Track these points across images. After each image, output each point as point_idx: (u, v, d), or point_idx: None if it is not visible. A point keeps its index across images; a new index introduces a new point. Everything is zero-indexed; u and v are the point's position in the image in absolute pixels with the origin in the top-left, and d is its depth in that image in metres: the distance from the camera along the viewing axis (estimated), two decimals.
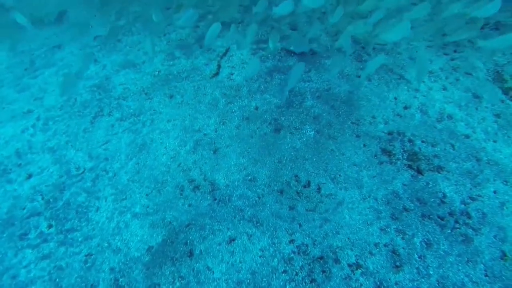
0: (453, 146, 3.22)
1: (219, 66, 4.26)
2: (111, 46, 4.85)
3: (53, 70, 4.55)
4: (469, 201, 2.81)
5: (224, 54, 4.47)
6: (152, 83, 4.14)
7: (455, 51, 4.23)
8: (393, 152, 3.19)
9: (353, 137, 3.31)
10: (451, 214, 2.73)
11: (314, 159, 3.13)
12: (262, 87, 3.87)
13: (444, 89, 3.77)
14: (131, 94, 4.03)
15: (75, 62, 4.68)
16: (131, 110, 3.82)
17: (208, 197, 2.95)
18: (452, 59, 4.12)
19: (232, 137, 3.39)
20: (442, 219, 2.71)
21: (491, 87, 3.73)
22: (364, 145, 3.25)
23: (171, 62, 4.43)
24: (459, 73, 3.93)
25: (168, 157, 3.27)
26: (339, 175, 3.01)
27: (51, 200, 2.99)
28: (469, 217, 2.70)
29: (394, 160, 3.14)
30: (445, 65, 4.07)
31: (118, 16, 5.53)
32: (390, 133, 3.34)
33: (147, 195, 2.96)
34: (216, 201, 2.92)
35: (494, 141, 3.24)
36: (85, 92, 4.10)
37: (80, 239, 2.71)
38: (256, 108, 3.63)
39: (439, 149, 3.21)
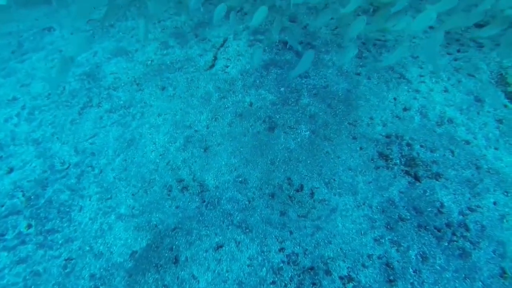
0: (452, 152, 2.97)
1: (215, 58, 3.91)
2: (103, 31, 4.45)
3: (41, 55, 4.17)
4: (467, 212, 2.58)
5: (222, 45, 4.10)
6: (144, 73, 3.79)
7: (458, 51, 3.90)
8: (391, 156, 2.93)
9: (349, 139, 3.04)
10: (448, 225, 2.50)
11: (308, 162, 2.86)
12: (258, 81, 3.54)
13: (446, 91, 3.47)
14: (122, 84, 3.69)
15: (65, 46, 4.29)
16: (121, 102, 3.50)
17: (197, 199, 2.70)
18: (455, 59, 3.80)
19: (224, 134, 3.10)
20: (439, 230, 2.48)
21: (494, 91, 3.43)
22: (361, 148, 2.98)
23: (165, 51, 4.06)
24: (461, 75, 3.62)
25: (157, 154, 2.99)
26: (334, 180, 2.76)
27: (32, 197, 2.72)
28: (467, 229, 2.48)
29: (391, 165, 2.88)
30: (447, 65, 3.75)
31: None
32: (388, 136, 3.07)
33: (133, 194, 2.70)
34: (204, 203, 2.67)
35: (495, 149, 2.98)
36: (74, 80, 3.75)
37: (60, 242, 2.46)
38: (251, 104, 3.33)
39: (438, 155, 2.95)
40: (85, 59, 4.02)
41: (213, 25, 4.45)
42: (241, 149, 2.98)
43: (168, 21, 4.59)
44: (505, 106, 3.31)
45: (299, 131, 3.07)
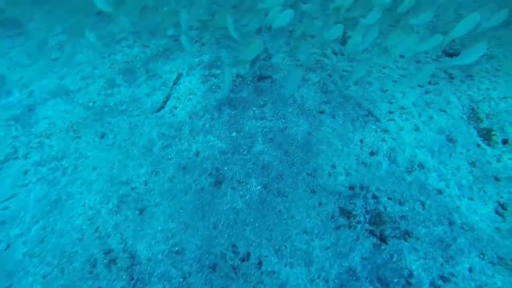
0: (423, 204, 2.73)
1: (164, 98, 3.68)
2: (43, 65, 4.21)
3: None
4: (439, 282, 2.31)
5: (175, 82, 3.88)
6: (83, 117, 3.53)
7: (429, 83, 3.75)
8: (354, 213, 2.67)
9: (307, 193, 2.78)
10: None
11: (257, 224, 2.58)
12: (208, 125, 3.30)
13: (416, 129, 3.27)
14: (57, 131, 3.42)
15: None
16: (53, 152, 3.21)
17: (124, 276, 2.38)
18: (426, 92, 3.64)
19: (163, 192, 2.82)
20: None
21: (466, 128, 3.25)
22: (320, 204, 2.72)
23: (110, 91, 3.82)
24: (433, 110, 3.45)
25: (85, 219, 2.68)
26: (285, 247, 2.48)
27: None
28: None
29: (354, 224, 2.62)
30: (418, 99, 3.58)
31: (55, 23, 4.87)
32: (351, 188, 2.83)
33: (44, 277, 2.37)
34: (133, 281, 2.35)
35: (470, 199, 2.75)
36: None
37: None
38: (197, 154, 3.07)
39: (407, 208, 2.71)
40: (18, 100, 3.76)
41: (167, 57, 4.26)
42: (181, 210, 2.69)
43: (118, 55, 4.38)
44: (478, 145, 3.12)
45: (248, 186, 2.81)
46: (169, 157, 3.08)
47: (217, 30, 4.64)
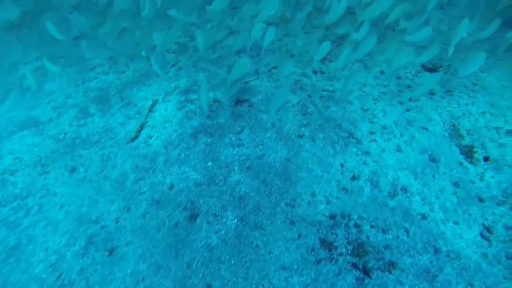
0: (407, 231, 2.65)
1: (138, 127, 3.59)
2: (13, 94, 4.09)
3: None
4: None
5: (150, 110, 3.81)
6: (53, 150, 3.42)
7: (410, 99, 3.73)
8: (335, 244, 2.58)
9: (286, 224, 2.69)
10: None
11: (233, 262, 2.47)
12: (183, 155, 3.22)
13: (399, 150, 3.23)
14: (23, 166, 3.29)
15: None
16: (17, 190, 3.08)
17: None
18: (407, 110, 3.62)
19: (135, 230, 2.70)
20: None
21: (448, 146, 3.22)
22: (299, 236, 2.63)
23: (82, 121, 3.73)
24: (414, 128, 3.42)
25: (46, 265, 2.54)
26: (262, 286, 2.36)
27: None
28: None
29: (335, 256, 2.52)
30: (399, 117, 3.56)
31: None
32: (332, 217, 2.75)
33: None
34: None
35: (455, 223, 2.69)
36: None
37: None
38: (171, 187, 2.97)
39: (391, 236, 2.63)
40: None
41: (143, 83, 4.20)
42: (153, 249, 2.57)
43: (93, 82, 4.31)
44: (461, 164, 3.08)
45: (224, 220, 2.71)
46: (142, 191, 2.97)
47: (195, 53, 4.61)
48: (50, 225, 2.78)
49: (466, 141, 3.26)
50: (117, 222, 2.76)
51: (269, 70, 4.19)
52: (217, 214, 2.75)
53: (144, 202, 2.87)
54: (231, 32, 4.90)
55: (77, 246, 2.63)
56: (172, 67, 4.40)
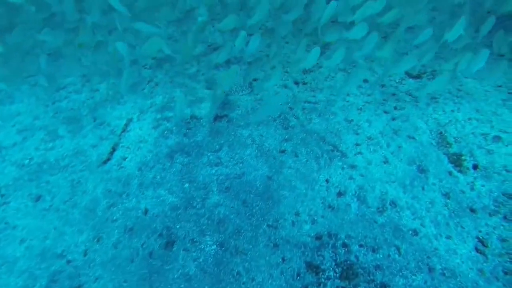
0: (398, 249, 2.53)
1: (113, 149, 3.42)
2: None
3: None
4: None
5: (124, 130, 3.64)
6: (15, 178, 3.21)
7: (395, 108, 3.67)
8: (322, 267, 2.44)
9: (268, 248, 2.53)
10: None
11: None
12: (158, 177, 3.05)
13: (386, 162, 3.14)
14: None
15: None
16: None
17: None
18: (393, 119, 3.55)
19: (106, 263, 2.50)
20: None
21: (436, 155, 3.14)
22: (283, 260, 2.47)
23: (51, 144, 3.53)
24: (401, 138, 3.34)
25: None
26: None
27: None
28: None
29: (323, 281, 2.37)
30: (385, 127, 3.48)
31: None
32: (318, 237, 2.61)
33: None
34: None
35: (447, 237, 2.58)
36: None
37: None
38: (146, 212, 2.79)
39: (381, 255, 2.50)
40: None
41: (117, 101, 4.05)
42: (125, 284, 2.38)
43: (64, 102, 4.13)
44: (450, 173, 3.00)
45: (203, 246, 2.54)
46: (115, 218, 2.78)
47: (172, 68, 4.50)
48: (6, 264, 2.55)
49: (454, 149, 3.19)
50: (85, 255, 2.56)
51: (250, 83, 4.09)
52: (195, 239, 2.58)
53: (116, 231, 2.68)
54: (209, 45, 4.81)
55: (37, 287, 2.41)
56: (148, 83, 4.27)
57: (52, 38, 4.99)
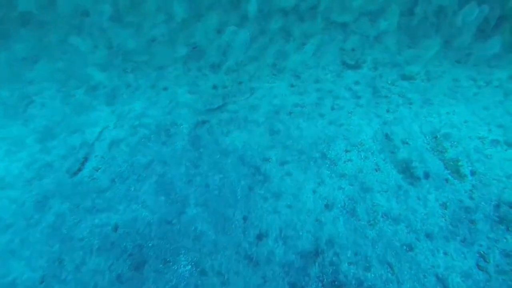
0: (392, 267, 2.31)
1: (85, 159, 3.19)
2: None
3: None
4: None
5: (98, 138, 3.41)
6: None
7: (387, 111, 3.47)
8: None
9: (249, 268, 2.30)
10: None
11: None
12: (132, 189, 2.82)
13: (377, 169, 2.93)
14: None
15: None
16: None
17: None
18: (385, 122, 3.35)
19: None
20: None
21: (431, 162, 2.94)
22: (265, 281, 2.24)
23: (17, 157, 3.29)
24: (394, 143, 3.13)
25: None
26: None
27: None
28: None
29: None
30: (377, 131, 3.27)
31: None
32: (303, 255, 2.38)
33: None
34: None
35: (445, 253, 2.36)
36: None
37: None
38: (115, 229, 2.55)
39: (373, 275, 2.28)
40: None
41: (94, 109, 3.82)
42: None
43: (36, 109, 3.89)
44: (447, 181, 2.79)
45: (176, 267, 2.31)
46: (81, 236, 2.54)
47: (154, 71, 4.29)
48: None
49: (450, 154, 2.99)
50: (41, 282, 2.31)
51: (239, 83, 3.88)
52: (168, 260, 2.34)
53: (81, 251, 2.44)
54: (194, 47, 4.61)
55: None
56: (127, 87, 4.04)
57: (28, 40, 4.75)
